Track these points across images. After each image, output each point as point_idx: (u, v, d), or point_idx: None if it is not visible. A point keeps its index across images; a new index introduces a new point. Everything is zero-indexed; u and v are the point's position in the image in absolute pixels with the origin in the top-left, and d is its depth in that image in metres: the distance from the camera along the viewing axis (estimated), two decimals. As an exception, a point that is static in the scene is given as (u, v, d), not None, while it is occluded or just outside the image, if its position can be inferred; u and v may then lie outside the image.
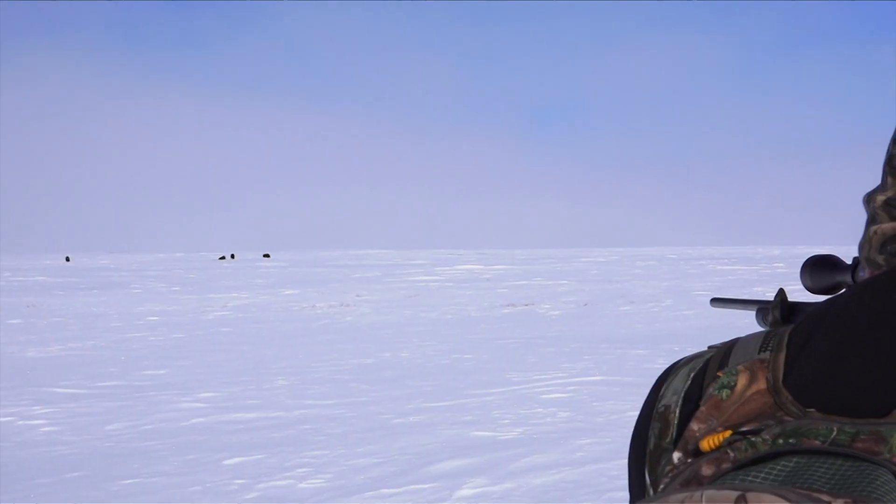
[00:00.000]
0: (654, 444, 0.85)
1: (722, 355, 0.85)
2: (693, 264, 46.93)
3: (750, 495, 0.58)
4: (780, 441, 0.72)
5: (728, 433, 0.75)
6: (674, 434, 0.83)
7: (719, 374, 0.82)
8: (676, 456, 0.77)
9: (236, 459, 7.67)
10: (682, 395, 0.84)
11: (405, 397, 10.38)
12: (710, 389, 0.80)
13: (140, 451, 8.10)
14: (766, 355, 0.81)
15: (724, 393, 0.79)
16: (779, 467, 0.69)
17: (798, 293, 1.40)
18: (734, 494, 0.58)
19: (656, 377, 0.91)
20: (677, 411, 0.84)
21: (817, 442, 0.71)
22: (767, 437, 0.73)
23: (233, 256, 75.58)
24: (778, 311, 1.18)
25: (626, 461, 0.92)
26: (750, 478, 0.68)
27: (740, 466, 0.71)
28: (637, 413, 0.91)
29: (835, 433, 0.71)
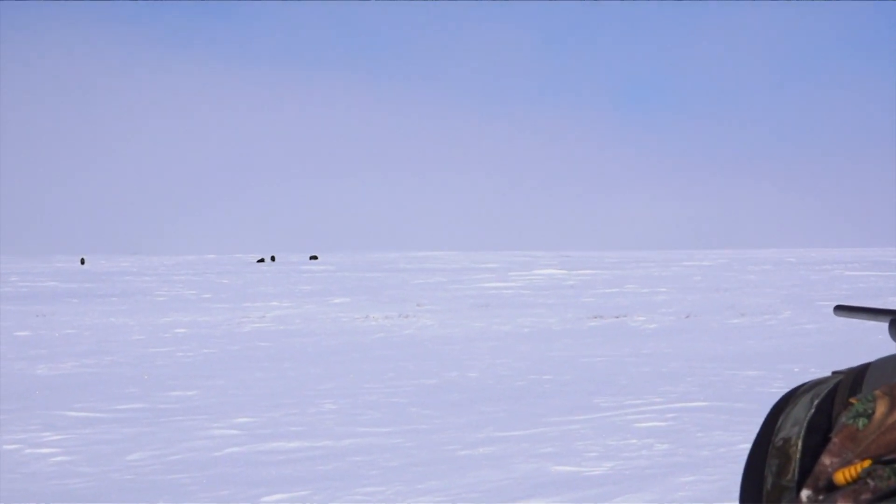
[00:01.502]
0: (772, 482, 0.84)
1: (853, 380, 0.85)
2: (816, 269, 46.46)
3: None
4: None
5: (867, 463, 0.73)
6: (796, 470, 0.83)
7: (852, 400, 0.80)
8: (805, 494, 0.76)
9: (276, 496, 7.72)
10: (806, 425, 0.84)
11: (474, 425, 10.38)
12: (843, 419, 0.79)
13: (166, 485, 8.19)
14: None
15: (861, 422, 0.77)
16: None
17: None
18: None
19: (772, 404, 0.90)
20: (800, 444, 0.84)
21: None
22: None
23: (273, 259, 76.54)
24: (914, 324, 1.15)
25: (736, 503, 0.92)
26: None
27: (884, 497, 0.69)
28: (749, 446, 0.90)
29: None
